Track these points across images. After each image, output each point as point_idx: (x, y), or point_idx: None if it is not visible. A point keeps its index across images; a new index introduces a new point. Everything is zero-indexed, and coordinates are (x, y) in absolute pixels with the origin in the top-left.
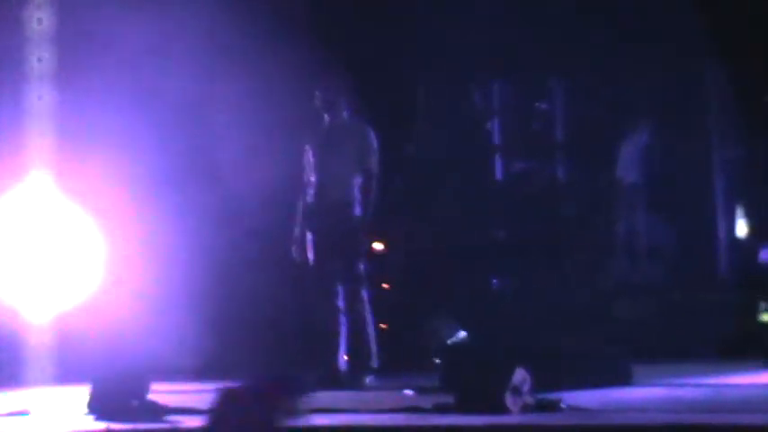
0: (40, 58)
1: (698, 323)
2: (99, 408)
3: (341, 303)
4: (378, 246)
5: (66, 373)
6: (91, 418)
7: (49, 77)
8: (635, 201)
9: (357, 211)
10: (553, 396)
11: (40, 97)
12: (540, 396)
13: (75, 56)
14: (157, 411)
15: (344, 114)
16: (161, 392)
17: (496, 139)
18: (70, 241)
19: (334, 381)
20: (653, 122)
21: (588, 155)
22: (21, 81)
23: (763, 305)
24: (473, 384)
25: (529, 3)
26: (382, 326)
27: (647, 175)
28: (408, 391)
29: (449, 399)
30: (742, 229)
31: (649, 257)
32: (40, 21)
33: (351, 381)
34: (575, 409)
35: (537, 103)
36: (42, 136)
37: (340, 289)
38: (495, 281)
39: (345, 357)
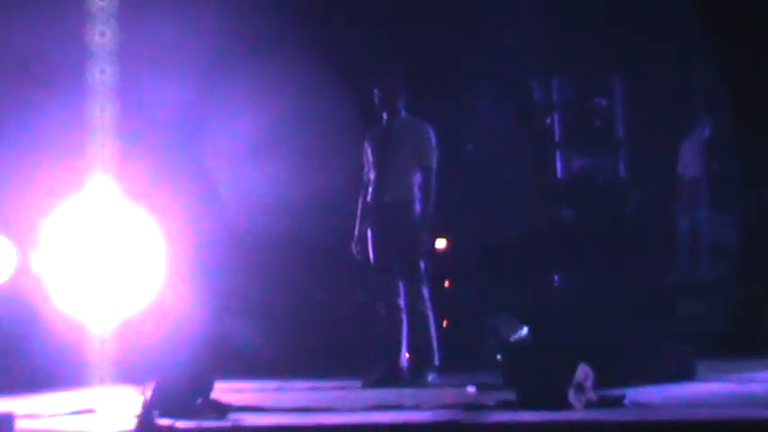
0: (102, 71)
1: (761, 318)
2: (162, 406)
3: (402, 301)
4: (439, 243)
5: (130, 373)
6: (154, 415)
7: (111, 89)
8: (697, 196)
9: (417, 208)
10: (616, 392)
11: (103, 109)
12: (603, 392)
13: (137, 68)
14: (220, 409)
15: (403, 112)
16: (224, 390)
17: (557, 135)
18: (132, 244)
19: (397, 378)
20: (714, 117)
21: (649, 151)
22: (84, 93)
23: None
24: (536, 381)
25: None
26: (444, 323)
27: (708, 171)
28: (471, 388)
29: (511, 395)
30: None
31: (712, 253)
32: (102, 33)
33: (413, 378)
34: (638, 405)
35: (597, 99)
36: (105, 146)
37: (401, 287)
38: (557, 277)
39: (407, 355)
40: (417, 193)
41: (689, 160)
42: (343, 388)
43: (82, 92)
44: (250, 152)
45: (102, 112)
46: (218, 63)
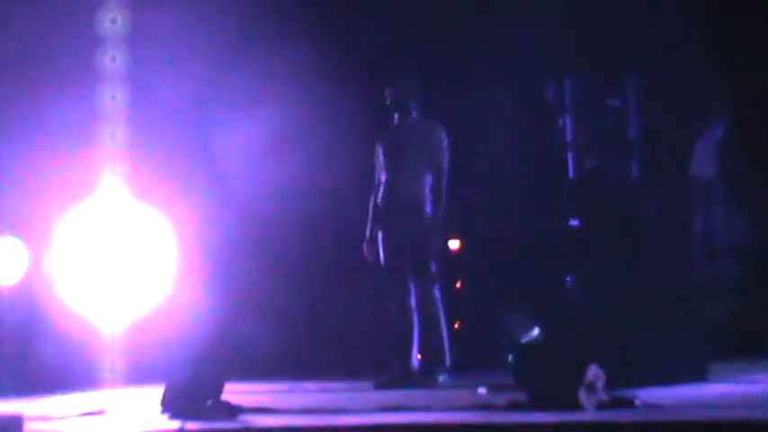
0: (113, 58)
1: None
2: (173, 407)
3: (413, 302)
4: (451, 244)
5: (140, 374)
6: (165, 417)
7: (122, 77)
8: (711, 197)
9: (428, 209)
10: (628, 393)
11: (113, 97)
12: (615, 393)
13: (148, 55)
14: (231, 411)
15: (414, 113)
16: (234, 392)
17: (569, 135)
18: (143, 244)
19: (408, 379)
20: (729, 117)
21: (663, 151)
22: (94, 81)
23: None
24: (546, 382)
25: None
26: (455, 324)
27: (723, 171)
28: (481, 389)
29: (522, 396)
30: None
31: (726, 254)
32: (113, 20)
33: (424, 379)
34: (649, 406)
35: (610, 100)
36: (114, 136)
37: (412, 287)
38: (568, 277)
39: (418, 356)
40: (429, 195)
41: (703, 160)
42: (354, 389)
43: (92, 85)
44: (259, 152)
45: (112, 100)
46: (230, 57)
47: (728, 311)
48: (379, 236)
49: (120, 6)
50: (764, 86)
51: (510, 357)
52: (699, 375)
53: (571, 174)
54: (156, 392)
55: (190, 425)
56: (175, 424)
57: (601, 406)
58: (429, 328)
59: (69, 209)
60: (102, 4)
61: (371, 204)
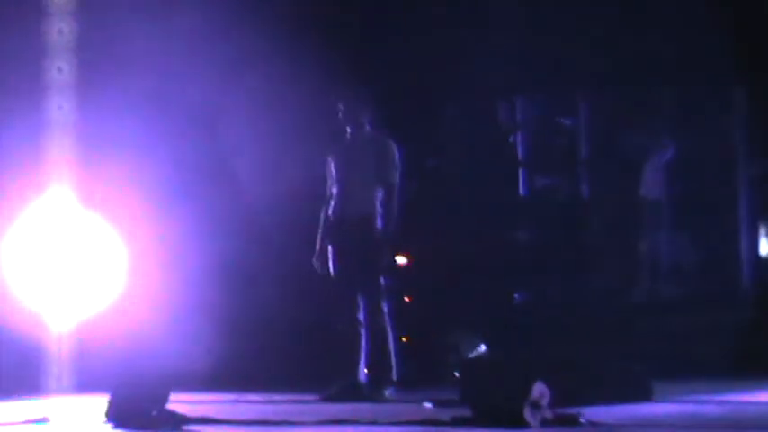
0: (59, 69)
1: (719, 340)
2: (118, 417)
3: (361, 316)
4: (400, 259)
5: (85, 382)
6: (110, 426)
7: (68, 88)
8: (658, 218)
9: (378, 224)
10: (572, 411)
11: (60, 107)
12: (560, 410)
13: (94, 66)
14: (176, 421)
15: (366, 127)
16: (180, 402)
17: (521, 153)
18: (90, 250)
19: (355, 393)
20: (677, 139)
21: (612, 171)
22: (40, 91)
23: None
24: (492, 398)
25: (555, 18)
26: (403, 339)
27: (670, 193)
28: (428, 404)
29: (468, 412)
30: (765, 247)
31: (672, 274)
32: (60, 31)
33: (371, 393)
34: (594, 424)
35: (560, 119)
36: (61, 146)
37: (360, 301)
38: (516, 294)
39: (365, 370)
40: (379, 209)
41: (652, 181)
42: (300, 401)
43: (39, 90)
44: (210, 168)
45: (59, 110)
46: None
47: (674, 331)
48: (329, 249)
49: (67, 17)
50: (714, 107)
51: (457, 373)
52: (644, 395)
53: (522, 191)
54: (102, 401)
55: None
56: None
57: (545, 423)
58: (376, 341)
59: (16, 215)
60: (50, 14)
61: (322, 217)
